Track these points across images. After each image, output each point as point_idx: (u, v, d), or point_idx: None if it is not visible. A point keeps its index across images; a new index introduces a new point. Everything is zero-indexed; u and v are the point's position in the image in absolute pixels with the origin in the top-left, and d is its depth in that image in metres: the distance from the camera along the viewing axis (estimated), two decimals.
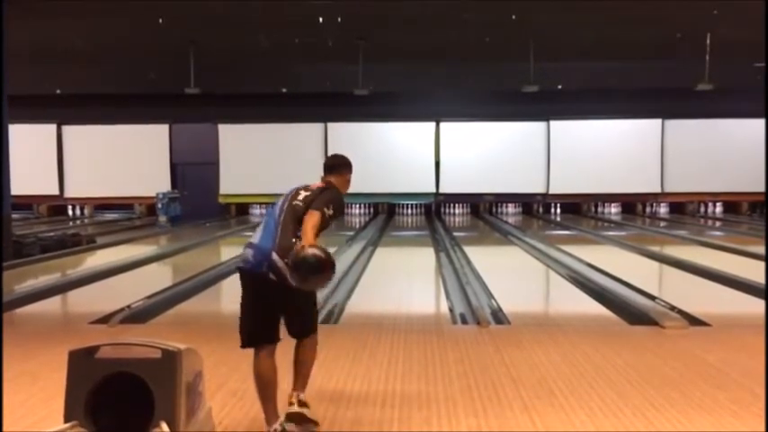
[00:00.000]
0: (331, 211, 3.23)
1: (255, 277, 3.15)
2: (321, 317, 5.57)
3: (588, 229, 15.20)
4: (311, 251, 2.94)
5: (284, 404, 3.20)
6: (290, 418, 3.14)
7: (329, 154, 3.72)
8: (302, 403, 3.18)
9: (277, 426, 3.07)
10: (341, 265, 7.52)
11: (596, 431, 3.20)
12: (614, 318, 5.79)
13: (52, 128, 19.52)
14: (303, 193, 3.34)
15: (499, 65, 15.41)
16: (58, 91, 18.39)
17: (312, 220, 3.13)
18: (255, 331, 3.17)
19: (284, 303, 3.18)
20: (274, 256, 3.09)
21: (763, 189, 16.86)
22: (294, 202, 3.31)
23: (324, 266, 2.95)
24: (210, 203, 18.95)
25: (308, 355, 3.31)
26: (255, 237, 3.25)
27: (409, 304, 6.48)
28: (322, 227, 3.20)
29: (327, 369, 4.14)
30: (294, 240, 3.12)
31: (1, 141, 9.19)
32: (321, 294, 5.06)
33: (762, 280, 6.91)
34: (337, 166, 3.54)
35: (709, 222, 17.47)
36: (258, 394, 3.13)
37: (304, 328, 3.30)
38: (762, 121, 16.74)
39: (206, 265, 9.03)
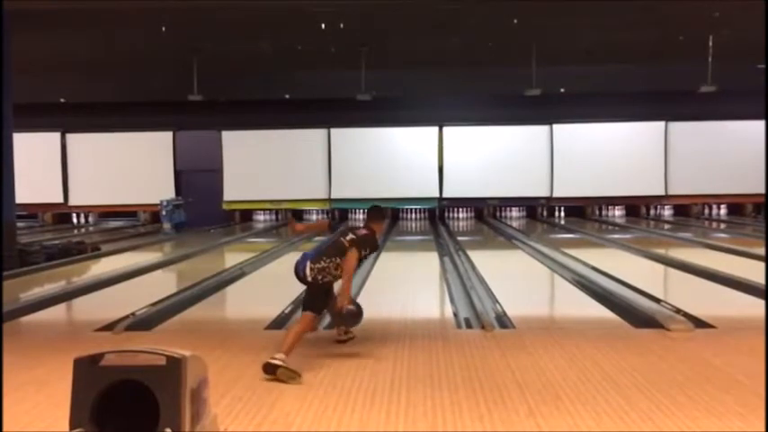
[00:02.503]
0: (366, 251, 4.70)
1: (296, 274, 4.60)
2: (324, 323, 5.59)
3: (592, 232, 15.18)
4: (348, 308, 4.56)
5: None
6: (263, 367, 4.10)
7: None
8: (274, 358, 4.09)
9: None
10: None
11: None
12: (619, 321, 5.77)
13: (56, 136, 19.61)
14: (350, 235, 4.66)
15: (501, 69, 15.43)
16: (63, 99, 18.48)
17: (346, 272, 4.54)
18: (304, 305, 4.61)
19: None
20: (308, 263, 4.52)
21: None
22: (342, 239, 4.65)
23: (356, 315, 4.63)
24: (215, 210, 18.99)
25: (295, 330, 4.40)
26: (309, 250, 4.71)
27: (414, 309, 6.48)
28: (358, 262, 4.66)
29: (332, 374, 4.14)
30: (324, 259, 4.53)
31: (5, 150, 9.23)
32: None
33: None
34: (374, 217, 4.98)
35: (714, 224, 17.42)
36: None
37: (306, 304, 4.59)
38: (764, 123, 16.73)
39: (211, 271, 9.03)
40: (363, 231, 4.75)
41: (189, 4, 10.55)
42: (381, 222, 5.16)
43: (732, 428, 3.23)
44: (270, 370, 4.04)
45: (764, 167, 14.90)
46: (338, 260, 4.54)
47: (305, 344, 4.91)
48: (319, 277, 4.51)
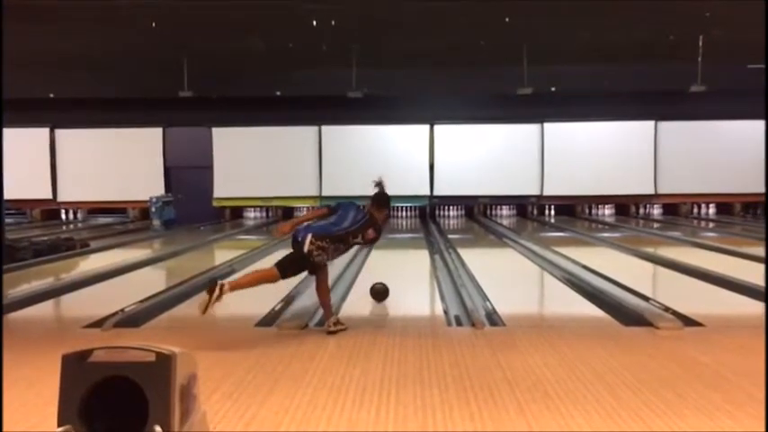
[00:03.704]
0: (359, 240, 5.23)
1: (294, 238, 4.96)
2: (315, 320, 5.59)
3: (582, 230, 15.23)
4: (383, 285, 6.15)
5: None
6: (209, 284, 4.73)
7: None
8: (222, 284, 4.65)
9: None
10: (336, 269, 7.53)
11: None
12: (609, 319, 5.80)
13: (45, 132, 19.46)
14: (359, 238, 5.12)
15: (493, 68, 15.46)
16: (52, 95, 18.35)
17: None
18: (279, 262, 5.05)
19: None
20: (310, 236, 4.87)
21: (755, 190, 16.96)
22: (351, 237, 5.07)
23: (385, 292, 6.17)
24: (205, 207, 18.91)
25: (254, 273, 5.00)
26: (314, 222, 5.14)
27: (404, 307, 6.47)
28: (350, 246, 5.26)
29: (322, 372, 4.13)
30: (327, 240, 4.92)
31: None
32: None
33: (756, 280, 6.96)
34: (377, 203, 5.43)
35: (703, 223, 17.52)
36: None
37: (281, 264, 5.00)
38: (756, 123, 16.87)
39: (200, 268, 9.00)
40: (372, 236, 5.19)
41: (181, 2, 10.51)
42: (384, 210, 5.44)
43: (721, 426, 3.25)
44: (209, 288, 4.64)
45: (764, 167, 14.93)
46: (342, 246, 5.06)
47: (294, 341, 4.91)
48: (315, 254, 4.88)
